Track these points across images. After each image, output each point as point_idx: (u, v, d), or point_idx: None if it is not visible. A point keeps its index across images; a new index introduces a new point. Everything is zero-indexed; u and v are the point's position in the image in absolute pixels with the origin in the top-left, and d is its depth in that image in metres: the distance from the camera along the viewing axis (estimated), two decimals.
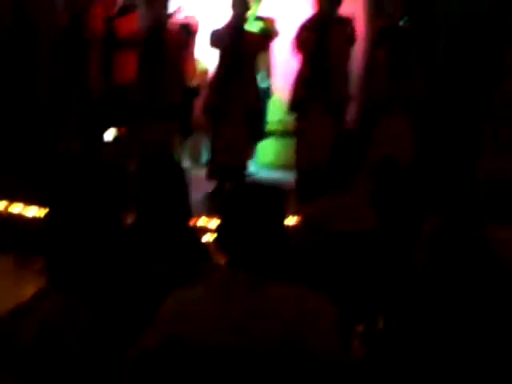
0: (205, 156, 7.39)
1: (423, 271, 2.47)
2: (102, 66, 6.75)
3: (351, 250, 3.45)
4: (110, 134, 6.90)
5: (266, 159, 7.81)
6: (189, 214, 2.96)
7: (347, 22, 6.64)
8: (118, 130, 6.91)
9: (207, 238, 5.04)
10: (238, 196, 2.27)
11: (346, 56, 6.63)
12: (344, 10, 6.73)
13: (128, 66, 6.83)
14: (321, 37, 6.41)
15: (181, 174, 2.96)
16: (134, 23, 6.83)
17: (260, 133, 6.89)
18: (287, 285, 2.17)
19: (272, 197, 2.26)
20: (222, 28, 6.63)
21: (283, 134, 7.69)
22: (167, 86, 6.58)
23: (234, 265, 2.20)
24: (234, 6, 6.48)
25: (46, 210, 2.87)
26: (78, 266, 2.81)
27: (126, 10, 7.11)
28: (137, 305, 2.68)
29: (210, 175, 6.67)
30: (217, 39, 6.54)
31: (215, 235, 2.28)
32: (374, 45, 6.66)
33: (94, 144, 6.59)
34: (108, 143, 6.88)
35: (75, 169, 3.02)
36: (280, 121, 7.72)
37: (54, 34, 6.76)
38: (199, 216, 5.55)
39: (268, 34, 7.03)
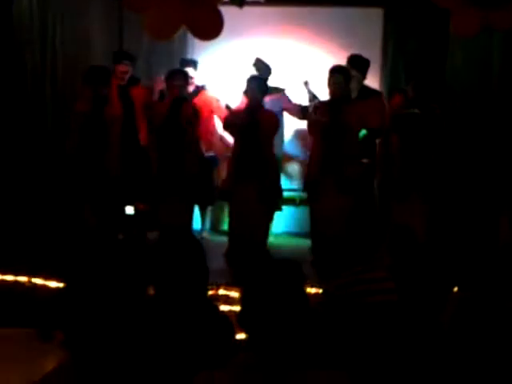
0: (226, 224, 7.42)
1: (450, 345, 2.46)
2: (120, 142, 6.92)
3: (374, 324, 3.44)
4: (130, 209, 6.97)
5: (283, 227, 7.84)
6: (206, 287, 2.98)
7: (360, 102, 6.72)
8: (137, 206, 6.99)
9: (227, 307, 5.05)
10: (259, 277, 2.28)
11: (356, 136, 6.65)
12: None
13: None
14: (332, 118, 6.45)
15: (199, 250, 2.98)
16: (142, 94, 7.15)
17: (277, 205, 6.88)
18: (308, 373, 2.16)
19: (292, 275, 2.28)
20: (238, 111, 6.77)
21: (299, 201, 7.75)
22: (186, 158, 6.71)
23: (255, 344, 2.19)
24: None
25: (65, 285, 2.90)
26: (98, 341, 2.82)
27: (134, 81, 7.33)
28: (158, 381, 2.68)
29: (230, 252, 6.69)
30: (232, 123, 6.61)
31: (238, 313, 2.30)
32: (388, 130, 6.67)
33: (113, 220, 6.66)
34: (128, 218, 6.95)
35: (94, 244, 3.06)
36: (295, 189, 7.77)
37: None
38: (220, 284, 5.53)
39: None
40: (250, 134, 6.47)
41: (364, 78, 7.07)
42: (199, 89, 7.40)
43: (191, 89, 7.32)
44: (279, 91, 7.34)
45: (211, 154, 7.42)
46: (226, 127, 6.77)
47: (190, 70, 7.28)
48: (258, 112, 6.53)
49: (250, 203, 6.50)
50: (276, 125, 6.68)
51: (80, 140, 6.71)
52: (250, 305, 2.27)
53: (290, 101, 7.37)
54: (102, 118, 6.71)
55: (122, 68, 7.21)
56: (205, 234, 7.63)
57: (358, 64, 7.00)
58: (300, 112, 7.30)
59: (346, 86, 6.53)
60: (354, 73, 6.85)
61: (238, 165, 6.59)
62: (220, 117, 7.24)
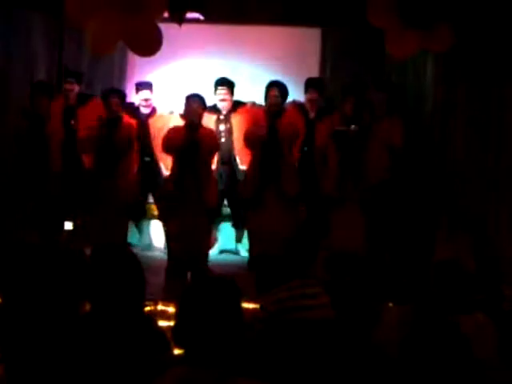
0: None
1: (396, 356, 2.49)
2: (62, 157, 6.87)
3: (309, 339, 3.45)
4: (68, 224, 6.89)
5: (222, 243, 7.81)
6: (142, 301, 2.97)
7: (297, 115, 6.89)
8: (76, 221, 6.91)
9: (165, 323, 5.01)
10: (194, 293, 2.30)
11: (294, 149, 6.80)
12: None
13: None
14: (270, 130, 6.58)
15: (134, 264, 2.96)
16: (95, 111, 6.91)
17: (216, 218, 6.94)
18: (245, 380, 2.17)
19: (227, 292, 2.29)
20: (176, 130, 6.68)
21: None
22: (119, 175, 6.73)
23: (191, 358, 2.19)
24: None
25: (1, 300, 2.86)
26: (33, 355, 2.78)
27: (85, 98, 7.24)
28: None
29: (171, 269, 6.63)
30: (171, 143, 6.55)
31: (172, 329, 2.29)
32: (325, 145, 6.77)
33: (52, 234, 6.57)
34: (66, 233, 6.86)
35: (32, 258, 3.02)
36: None
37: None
38: (157, 300, 5.50)
39: None
40: (189, 154, 6.42)
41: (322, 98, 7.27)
42: (155, 110, 7.42)
43: (147, 110, 7.35)
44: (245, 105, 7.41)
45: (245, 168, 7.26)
46: (164, 148, 6.67)
47: (146, 93, 7.34)
48: (198, 131, 6.50)
49: (191, 221, 6.47)
50: (216, 143, 6.67)
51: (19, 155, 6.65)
52: (185, 320, 2.27)
53: None
54: (41, 135, 6.63)
55: (66, 86, 7.14)
56: (144, 249, 7.59)
57: (316, 85, 7.22)
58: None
59: (282, 100, 6.70)
60: (315, 96, 7.14)
61: (177, 183, 6.56)
62: None
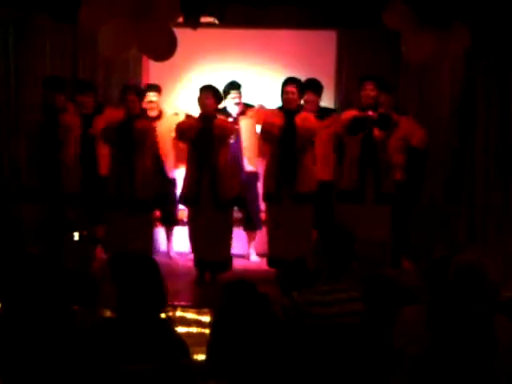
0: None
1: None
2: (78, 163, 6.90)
3: (340, 339, 3.43)
4: (75, 236, 6.88)
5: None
6: (163, 307, 2.96)
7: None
8: (82, 232, 6.90)
9: (184, 329, 5.02)
10: (230, 310, 2.30)
11: (311, 146, 6.70)
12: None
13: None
14: (286, 128, 6.51)
15: (154, 269, 2.96)
16: (111, 117, 6.86)
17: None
18: None
19: (261, 304, 2.30)
20: (190, 120, 6.73)
21: None
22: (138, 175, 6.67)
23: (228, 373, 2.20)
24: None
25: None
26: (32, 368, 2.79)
27: (101, 107, 7.26)
28: None
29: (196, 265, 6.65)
30: (185, 132, 6.58)
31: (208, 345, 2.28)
32: (344, 134, 6.69)
33: (56, 247, 6.57)
34: (71, 244, 6.84)
35: (34, 270, 3.03)
36: None
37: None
38: (176, 306, 5.51)
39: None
40: (204, 142, 6.44)
41: (320, 100, 7.23)
42: (162, 113, 7.40)
43: (154, 113, 7.34)
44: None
45: (252, 169, 7.33)
46: (178, 135, 6.70)
47: (152, 95, 7.33)
48: (212, 120, 6.51)
49: (209, 216, 6.48)
50: (230, 128, 6.68)
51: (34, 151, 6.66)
52: (222, 337, 2.28)
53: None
54: (56, 129, 6.68)
55: (80, 99, 7.16)
56: (173, 255, 7.62)
57: (314, 87, 7.13)
58: None
59: (299, 96, 6.60)
60: (313, 97, 7.05)
61: (194, 176, 6.56)
62: None
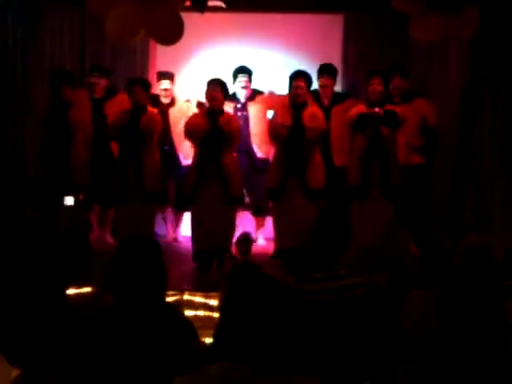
0: None
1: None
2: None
3: (341, 317, 3.43)
4: (70, 200, 6.86)
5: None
6: (164, 291, 2.96)
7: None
8: (77, 196, 6.89)
9: (192, 312, 5.03)
10: (237, 292, 2.31)
11: (320, 141, 6.69)
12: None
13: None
14: (293, 128, 6.49)
15: (156, 252, 2.95)
16: (122, 104, 6.84)
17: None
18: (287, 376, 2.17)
19: (268, 288, 2.30)
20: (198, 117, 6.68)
21: None
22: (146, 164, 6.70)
23: (233, 353, 2.20)
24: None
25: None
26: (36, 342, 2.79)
27: (113, 92, 7.26)
28: None
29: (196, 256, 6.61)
30: (194, 129, 6.54)
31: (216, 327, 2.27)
32: (351, 131, 6.67)
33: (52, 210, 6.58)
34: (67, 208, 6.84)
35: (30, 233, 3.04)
36: None
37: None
38: (184, 290, 5.51)
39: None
40: (211, 141, 6.41)
41: (335, 84, 7.25)
42: (175, 100, 7.42)
43: (167, 100, 7.36)
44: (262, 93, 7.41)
45: (263, 156, 7.30)
46: (186, 134, 6.67)
47: (166, 83, 7.36)
48: (219, 117, 6.48)
49: (214, 208, 6.46)
50: (238, 129, 6.63)
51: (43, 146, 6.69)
52: (228, 318, 2.28)
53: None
54: (65, 122, 6.68)
55: (91, 80, 7.17)
56: (180, 238, 7.64)
57: (330, 71, 7.14)
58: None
59: (307, 91, 6.59)
60: (329, 82, 7.10)
61: (199, 170, 6.54)
62: None
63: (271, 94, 7.37)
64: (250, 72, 7.28)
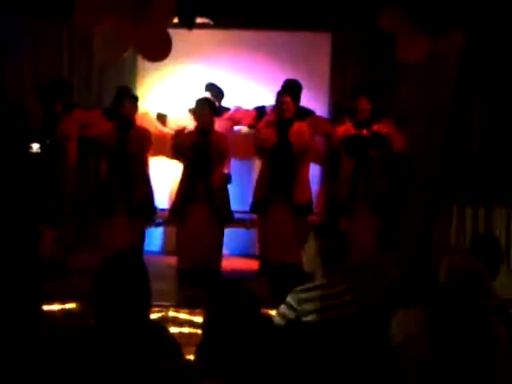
0: None
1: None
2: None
3: (335, 336, 3.43)
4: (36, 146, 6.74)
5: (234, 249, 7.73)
6: (148, 309, 2.94)
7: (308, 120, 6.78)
8: (43, 143, 6.66)
9: (177, 329, 5.01)
10: (220, 309, 2.29)
11: (305, 158, 6.70)
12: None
13: None
14: (280, 139, 6.51)
15: (139, 270, 2.93)
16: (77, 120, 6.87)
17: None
18: None
19: (250, 304, 2.29)
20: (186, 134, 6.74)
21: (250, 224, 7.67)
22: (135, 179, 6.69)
23: (220, 372, 2.19)
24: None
25: None
26: None
27: (70, 106, 7.14)
28: None
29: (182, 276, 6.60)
30: (181, 146, 6.58)
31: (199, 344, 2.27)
32: (338, 153, 6.74)
33: None
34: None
35: None
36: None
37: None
38: (169, 307, 5.49)
39: None
40: (201, 157, 6.43)
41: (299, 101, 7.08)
42: None
43: None
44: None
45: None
46: (174, 152, 6.70)
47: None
48: (209, 135, 6.50)
49: (202, 225, 6.45)
50: (227, 147, 6.65)
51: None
52: (212, 335, 2.27)
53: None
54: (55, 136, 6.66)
55: None
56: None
57: (291, 89, 6.98)
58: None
59: (294, 106, 6.60)
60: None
61: (188, 188, 6.54)
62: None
63: (237, 109, 7.37)
64: (217, 89, 7.31)
